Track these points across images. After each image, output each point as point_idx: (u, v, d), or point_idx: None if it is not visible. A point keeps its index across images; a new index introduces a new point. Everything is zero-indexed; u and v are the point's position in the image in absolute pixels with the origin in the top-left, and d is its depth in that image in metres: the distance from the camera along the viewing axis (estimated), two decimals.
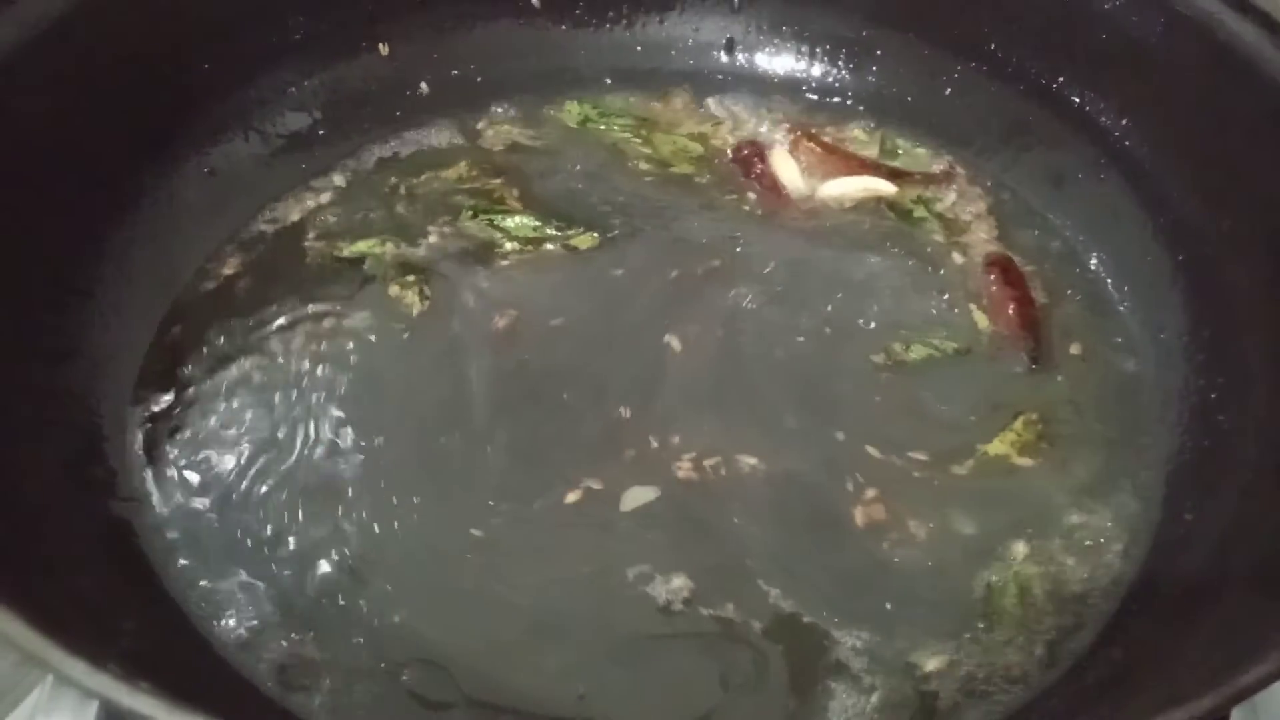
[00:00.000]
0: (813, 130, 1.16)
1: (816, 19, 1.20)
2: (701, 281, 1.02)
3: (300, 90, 1.11)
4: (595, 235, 1.05)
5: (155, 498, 0.85)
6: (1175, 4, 0.96)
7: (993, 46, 1.11)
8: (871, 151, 1.15)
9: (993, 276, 1.04)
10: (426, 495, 0.86)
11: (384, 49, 1.16)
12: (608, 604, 0.80)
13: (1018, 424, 0.92)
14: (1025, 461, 0.90)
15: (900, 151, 1.16)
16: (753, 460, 0.88)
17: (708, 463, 0.88)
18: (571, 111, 1.18)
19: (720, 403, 0.93)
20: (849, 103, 1.20)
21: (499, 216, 1.06)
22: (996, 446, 0.91)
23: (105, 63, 0.93)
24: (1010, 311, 1.01)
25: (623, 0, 1.21)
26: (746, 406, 0.93)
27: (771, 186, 1.11)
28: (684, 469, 0.88)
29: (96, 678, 0.49)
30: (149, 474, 0.86)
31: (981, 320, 1.01)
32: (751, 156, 1.13)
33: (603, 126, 1.17)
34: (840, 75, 1.21)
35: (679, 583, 0.81)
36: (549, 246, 1.04)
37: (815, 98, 1.20)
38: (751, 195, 1.10)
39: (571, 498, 0.86)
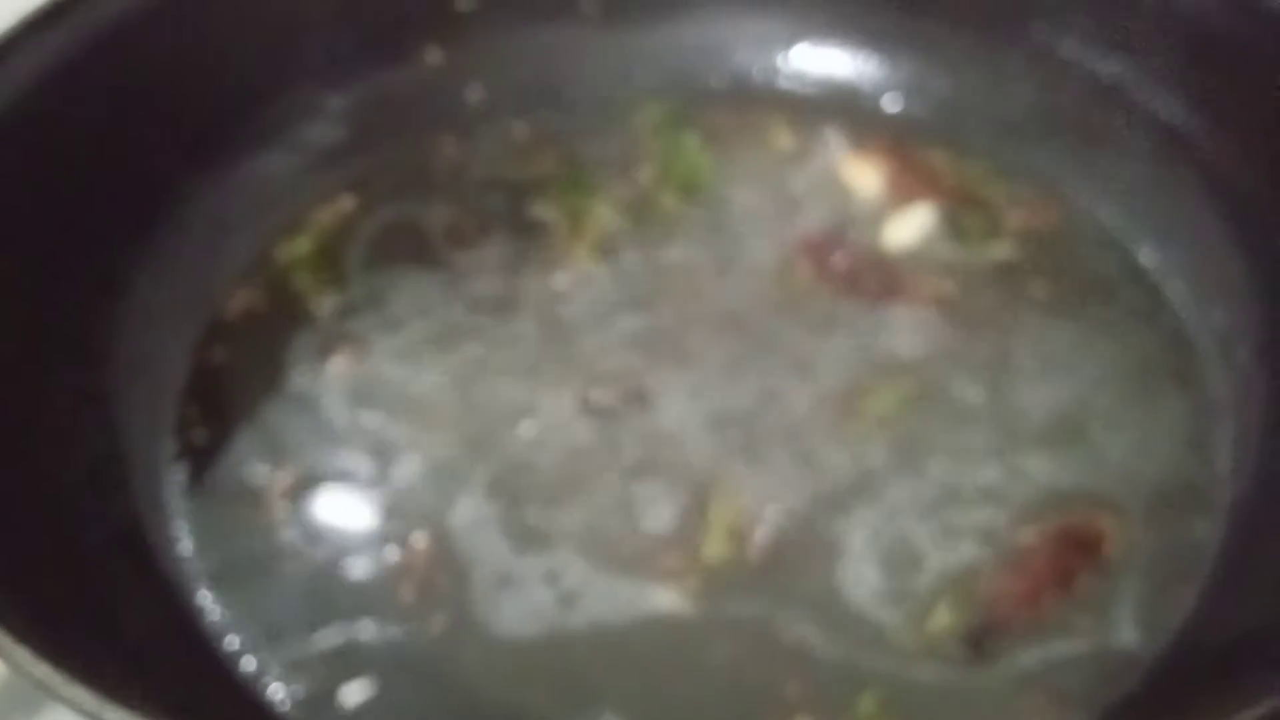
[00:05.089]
0: (883, 141, 1.11)
1: (864, 16, 1.16)
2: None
3: (342, 98, 1.10)
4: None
5: (182, 512, 0.85)
6: None
7: (1047, 41, 1.07)
8: (952, 177, 1.10)
9: (1056, 544, 0.80)
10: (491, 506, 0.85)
11: (430, 56, 1.15)
12: None
13: None
14: None
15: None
16: None
17: None
18: (650, 120, 1.16)
19: None
20: (900, 104, 1.16)
21: (536, 225, 1.05)
22: None
23: (142, 75, 0.94)
24: (1026, 588, 0.77)
25: (676, 3, 1.18)
26: None
27: (853, 284, 0.99)
28: None
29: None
30: (177, 486, 0.86)
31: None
32: (828, 250, 1.02)
33: (678, 141, 1.14)
34: (885, 74, 1.17)
35: None
36: (581, 254, 1.03)
37: (868, 101, 1.16)
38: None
39: None
